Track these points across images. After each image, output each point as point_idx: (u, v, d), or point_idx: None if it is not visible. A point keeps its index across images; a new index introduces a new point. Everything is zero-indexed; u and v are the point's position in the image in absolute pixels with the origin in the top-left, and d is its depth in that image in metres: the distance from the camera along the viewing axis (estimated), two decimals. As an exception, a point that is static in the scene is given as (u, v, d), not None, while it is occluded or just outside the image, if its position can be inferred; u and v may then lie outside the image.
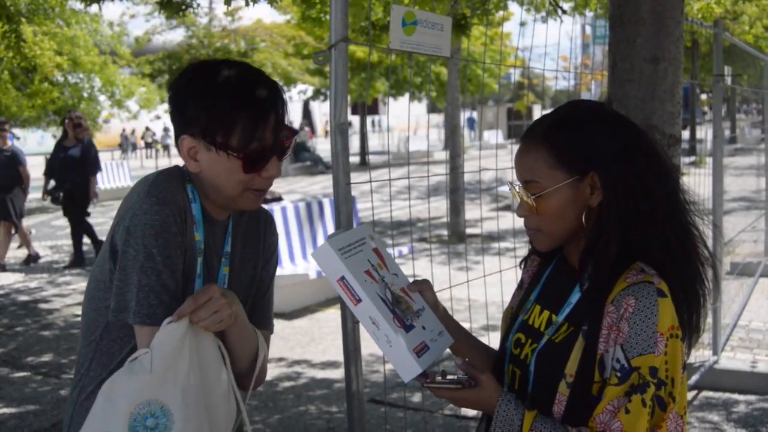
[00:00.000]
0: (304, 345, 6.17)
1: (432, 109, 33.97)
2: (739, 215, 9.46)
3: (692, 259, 1.53)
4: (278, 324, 6.21)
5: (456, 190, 10.36)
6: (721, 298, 5.30)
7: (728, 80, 5.53)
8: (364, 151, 26.03)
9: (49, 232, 12.70)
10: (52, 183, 9.63)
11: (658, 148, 1.56)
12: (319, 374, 5.43)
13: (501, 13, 12.35)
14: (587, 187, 1.50)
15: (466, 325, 1.83)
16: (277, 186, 18.91)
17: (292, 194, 17.36)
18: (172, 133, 1.66)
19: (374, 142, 38.72)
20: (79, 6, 8.54)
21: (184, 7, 5.49)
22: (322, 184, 20.38)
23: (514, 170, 1.59)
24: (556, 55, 3.29)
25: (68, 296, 8.07)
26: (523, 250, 1.86)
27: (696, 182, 6.03)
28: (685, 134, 21.39)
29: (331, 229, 7.74)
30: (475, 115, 33.54)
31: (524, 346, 1.59)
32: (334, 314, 6.97)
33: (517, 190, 1.56)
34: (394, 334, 1.49)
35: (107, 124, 19.12)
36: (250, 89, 1.55)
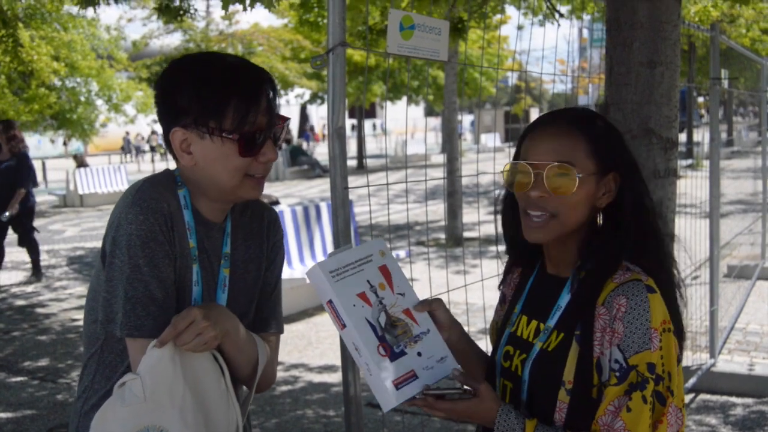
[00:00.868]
0: (301, 349, 6.16)
1: (429, 112, 33.97)
2: (736, 218, 9.47)
3: (668, 261, 1.60)
4: (276, 328, 6.18)
5: (453, 194, 10.35)
6: (718, 301, 5.31)
7: (725, 83, 5.54)
8: (361, 154, 26.02)
9: (46, 236, 12.67)
10: None
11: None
12: (317, 378, 5.42)
13: (498, 16, 12.36)
14: (603, 187, 1.54)
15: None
16: (274, 190, 18.93)
17: (289, 198, 17.36)
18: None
19: (371, 146, 38.72)
20: (76, 10, 8.52)
21: (182, 12, 5.48)
22: (319, 188, 20.37)
23: (530, 152, 1.54)
24: (553, 58, 3.29)
25: (65, 300, 8.05)
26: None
27: (693, 185, 6.04)
28: (682, 137, 21.42)
29: (328, 234, 7.74)
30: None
31: (513, 357, 1.60)
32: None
33: (531, 169, 1.51)
34: (374, 364, 1.47)
35: (104, 128, 19.09)
36: (238, 73, 1.55)
